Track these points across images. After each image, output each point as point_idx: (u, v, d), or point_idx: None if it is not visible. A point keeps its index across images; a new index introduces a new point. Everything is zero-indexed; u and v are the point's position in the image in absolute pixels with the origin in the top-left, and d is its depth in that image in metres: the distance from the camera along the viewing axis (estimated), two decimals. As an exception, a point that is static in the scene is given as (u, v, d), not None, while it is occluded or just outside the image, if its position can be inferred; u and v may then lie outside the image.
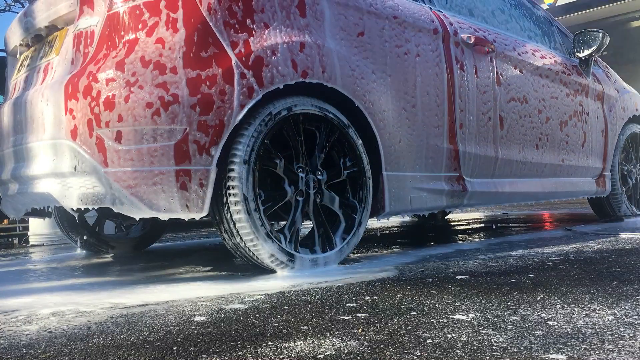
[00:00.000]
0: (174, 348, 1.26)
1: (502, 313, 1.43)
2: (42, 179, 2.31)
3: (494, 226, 4.38)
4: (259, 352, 1.19)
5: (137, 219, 2.73)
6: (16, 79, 2.74)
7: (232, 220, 2.13)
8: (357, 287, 1.91)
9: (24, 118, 2.43)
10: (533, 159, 3.44)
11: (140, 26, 2.15)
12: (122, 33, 2.14)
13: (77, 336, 1.42)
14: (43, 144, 2.26)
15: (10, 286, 2.53)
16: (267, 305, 1.68)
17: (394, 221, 5.76)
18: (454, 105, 2.90)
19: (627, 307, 1.43)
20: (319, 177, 2.33)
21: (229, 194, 2.11)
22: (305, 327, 1.39)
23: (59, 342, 1.37)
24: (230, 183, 2.11)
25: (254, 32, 2.21)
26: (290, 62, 2.28)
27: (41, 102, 2.29)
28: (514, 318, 1.37)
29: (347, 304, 1.62)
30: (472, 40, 3.05)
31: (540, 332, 1.24)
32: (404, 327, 1.34)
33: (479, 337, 1.22)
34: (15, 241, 5.84)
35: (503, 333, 1.25)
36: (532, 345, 1.15)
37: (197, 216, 2.13)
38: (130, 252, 3.70)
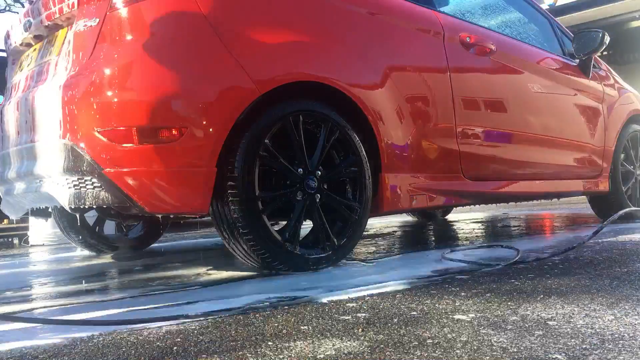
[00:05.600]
0: (174, 348, 1.26)
1: (502, 313, 1.43)
2: (42, 179, 2.31)
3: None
4: (259, 352, 1.19)
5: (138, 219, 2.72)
6: (17, 79, 2.73)
7: (232, 220, 2.13)
8: (357, 286, 1.91)
9: (24, 118, 2.43)
10: (534, 158, 3.43)
11: (139, 26, 2.15)
12: (122, 33, 2.14)
13: (77, 336, 1.42)
14: (43, 144, 2.26)
15: (10, 287, 2.53)
16: (267, 305, 1.68)
17: (395, 220, 5.76)
18: (454, 106, 2.90)
19: (627, 307, 1.43)
20: (319, 177, 2.32)
21: (229, 194, 2.11)
22: (305, 327, 1.39)
23: (59, 342, 1.37)
24: (230, 183, 2.11)
25: (254, 32, 2.21)
26: (291, 61, 2.28)
27: (41, 102, 2.29)
28: (514, 318, 1.37)
29: (347, 304, 1.62)
30: (472, 40, 3.04)
31: (540, 332, 1.24)
32: (404, 327, 1.34)
33: (479, 337, 1.22)
34: (16, 241, 5.84)
35: (503, 333, 1.25)
36: (532, 345, 1.15)
37: (197, 215, 2.13)
38: (130, 252, 3.70)
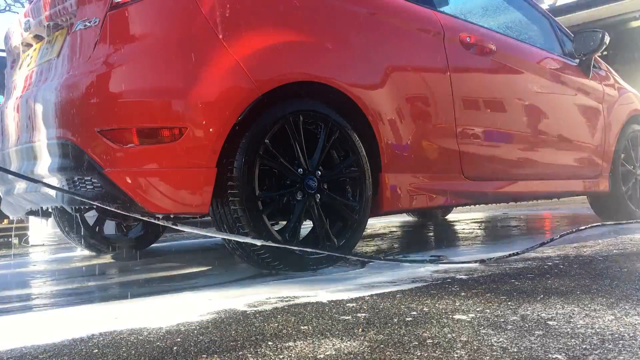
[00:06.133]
0: (174, 348, 1.26)
1: (502, 313, 1.43)
2: (43, 179, 2.31)
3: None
4: (259, 352, 1.19)
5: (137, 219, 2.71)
6: (17, 79, 2.74)
7: (233, 220, 2.13)
8: (356, 286, 1.91)
9: (24, 118, 2.43)
10: (534, 158, 3.43)
11: (139, 26, 2.15)
12: (122, 33, 2.14)
13: (77, 336, 1.42)
14: (43, 144, 2.26)
15: (10, 287, 2.53)
16: (267, 305, 1.68)
17: (395, 220, 5.76)
18: (454, 106, 2.90)
19: (627, 307, 1.43)
20: (319, 177, 2.32)
21: (229, 194, 2.11)
22: (305, 327, 1.39)
23: (59, 343, 1.37)
24: (230, 183, 2.11)
25: (254, 32, 2.21)
26: (291, 61, 2.28)
27: (41, 102, 2.29)
28: (514, 318, 1.37)
29: (347, 304, 1.62)
30: (472, 40, 3.05)
31: (540, 332, 1.24)
32: (404, 327, 1.34)
33: (479, 337, 1.22)
34: (16, 241, 5.84)
35: (503, 333, 1.25)
36: (532, 345, 1.15)
37: (197, 215, 2.13)
38: (130, 252, 3.70)
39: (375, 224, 5.49)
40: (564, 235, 2.95)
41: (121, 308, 1.79)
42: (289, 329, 1.38)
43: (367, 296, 1.72)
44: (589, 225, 3.43)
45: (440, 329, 1.30)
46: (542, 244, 2.68)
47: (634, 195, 4.34)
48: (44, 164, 2.26)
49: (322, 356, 1.15)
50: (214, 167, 2.07)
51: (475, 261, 2.28)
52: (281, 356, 1.16)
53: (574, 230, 3.16)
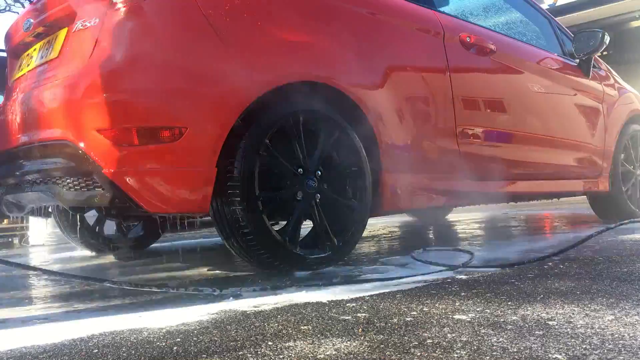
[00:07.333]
0: (174, 348, 1.26)
1: (502, 313, 1.43)
2: (42, 178, 2.31)
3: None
4: (259, 352, 1.19)
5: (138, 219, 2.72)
6: (17, 79, 2.73)
7: (233, 220, 2.13)
8: (357, 286, 1.91)
9: (24, 118, 2.42)
10: (534, 158, 3.43)
11: (139, 25, 2.15)
12: (122, 33, 2.14)
13: (76, 336, 1.42)
14: (43, 144, 2.26)
15: (10, 287, 2.53)
16: (267, 305, 1.68)
17: (395, 221, 5.76)
18: (454, 106, 2.90)
19: (627, 307, 1.43)
20: (319, 177, 2.32)
21: (229, 194, 2.11)
22: (306, 326, 1.39)
23: (59, 343, 1.37)
24: (230, 183, 2.11)
25: (254, 32, 2.21)
26: (291, 61, 2.28)
27: (41, 101, 2.29)
28: (514, 318, 1.37)
29: (347, 304, 1.62)
30: (472, 40, 3.05)
31: (540, 332, 1.24)
32: (404, 326, 1.34)
33: (479, 337, 1.22)
34: (16, 241, 5.84)
35: (503, 333, 1.25)
36: (532, 345, 1.15)
37: (197, 215, 2.13)
38: (130, 252, 3.70)
39: (376, 224, 5.49)
40: (574, 245, 2.77)
41: (121, 308, 1.79)
42: (289, 329, 1.38)
43: (367, 296, 1.72)
44: (599, 230, 3.30)
45: (440, 329, 1.30)
46: (551, 254, 2.67)
47: (634, 195, 4.34)
48: (44, 164, 2.26)
49: (322, 356, 1.15)
50: (214, 167, 2.07)
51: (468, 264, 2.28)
52: (281, 356, 1.16)
53: (585, 237, 3.05)
